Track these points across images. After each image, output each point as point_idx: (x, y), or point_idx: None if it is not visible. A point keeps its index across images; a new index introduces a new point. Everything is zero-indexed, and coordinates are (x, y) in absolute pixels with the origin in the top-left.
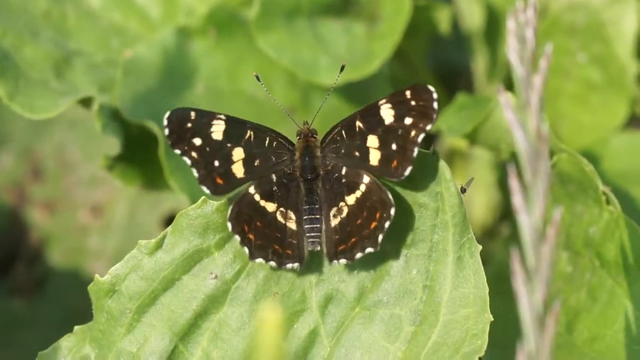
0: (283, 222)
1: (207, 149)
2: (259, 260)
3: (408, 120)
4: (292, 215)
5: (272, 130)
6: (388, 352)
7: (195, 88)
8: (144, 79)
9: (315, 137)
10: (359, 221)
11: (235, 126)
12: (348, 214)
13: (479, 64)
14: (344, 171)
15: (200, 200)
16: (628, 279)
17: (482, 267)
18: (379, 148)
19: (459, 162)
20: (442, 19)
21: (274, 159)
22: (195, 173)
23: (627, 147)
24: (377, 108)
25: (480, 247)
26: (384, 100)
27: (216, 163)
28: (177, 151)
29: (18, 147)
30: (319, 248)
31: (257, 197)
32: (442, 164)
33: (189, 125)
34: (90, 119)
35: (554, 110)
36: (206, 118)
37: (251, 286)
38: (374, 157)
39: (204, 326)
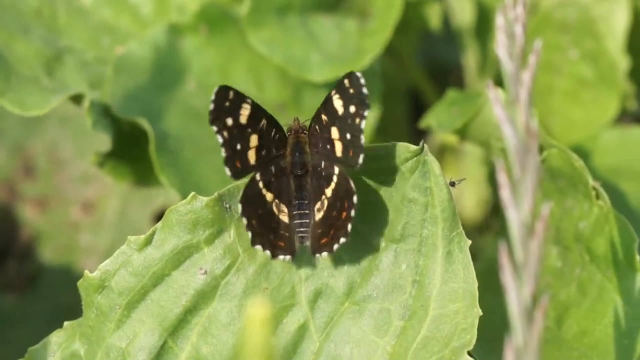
0: (277, 213)
1: (235, 130)
2: (258, 247)
3: (352, 109)
4: (284, 208)
5: (278, 123)
6: (377, 346)
7: (186, 85)
8: (135, 76)
9: (305, 133)
10: (334, 213)
11: (256, 113)
12: (327, 206)
13: (470, 60)
14: (322, 164)
15: (189, 196)
16: (617, 273)
17: (471, 262)
18: (340, 139)
19: (450, 157)
20: (433, 16)
21: (274, 151)
22: (223, 153)
23: (618, 143)
24: (331, 99)
25: (469, 242)
26: (334, 91)
27: (238, 146)
28: (214, 127)
29: (9, 144)
30: (307, 243)
31: (261, 184)
32: (431, 159)
33: (227, 104)
34: (81, 115)
35: (546, 106)
36: (239, 100)
37: (241, 281)
38: (338, 149)
39: (193, 321)
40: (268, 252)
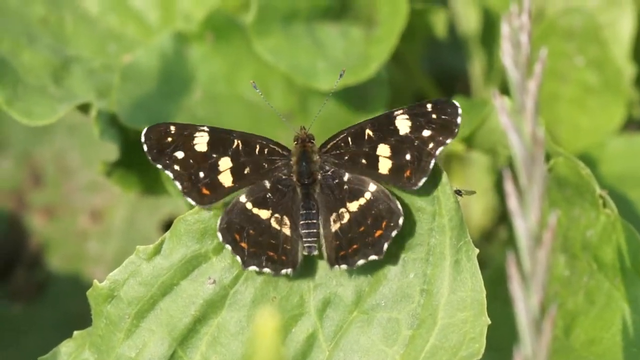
0: (278, 228)
1: (191, 161)
2: (252, 268)
3: (426, 133)
4: (286, 220)
5: (263, 137)
6: (386, 355)
7: (193, 93)
8: (142, 85)
9: (312, 142)
10: (362, 228)
11: (220, 136)
12: (350, 220)
13: (476, 67)
14: (346, 177)
15: (197, 206)
16: (625, 282)
17: (479, 271)
18: (391, 157)
19: (457, 166)
20: (439, 23)
21: (266, 165)
22: (178, 186)
23: (625, 150)
24: (392, 118)
25: (477, 251)
26: (400, 111)
27: (201, 174)
28: (159, 166)
29: (17, 153)
30: (316, 252)
31: (249, 205)
32: (439, 168)
33: (169, 139)
34: (89, 124)
35: (552, 114)
36: (187, 131)
37: (249, 291)
38: (384, 166)
39: (202, 331)
40: (268, 270)
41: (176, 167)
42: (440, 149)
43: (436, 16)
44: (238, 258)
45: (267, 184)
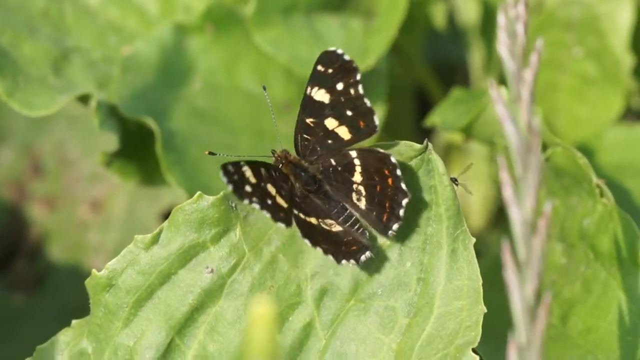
0: (329, 229)
1: (258, 191)
2: (345, 262)
3: (340, 85)
4: (330, 221)
5: (267, 163)
6: (383, 343)
7: (192, 84)
8: (142, 76)
9: (290, 154)
10: (378, 188)
11: (254, 167)
12: (366, 189)
13: (475, 58)
14: (332, 161)
15: (196, 195)
16: (622, 271)
17: (475, 260)
18: (339, 122)
19: (456, 156)
20: (438, 14)
21: (285, 185)
22: (267, 215)
23: (623, 140)
24: (310, 97)
25: (473, 240)
26: (309, 87)
27: (269, 201)
28: (246, 201)
29: (18, 143)
30: (367, 234)
31: (301, 215)
32: (436, 157)
33: (236, 177)
34: (89, 115)
35: (550, 104)
36: (239, 167)
37: (247, 280)
38: (343, 132)
39: (200, 320)
40: (353, 262)
41: (254, 199)
42: (360, 87)
43: (435, 7)
44: (330, 257)
45: (297, 199)
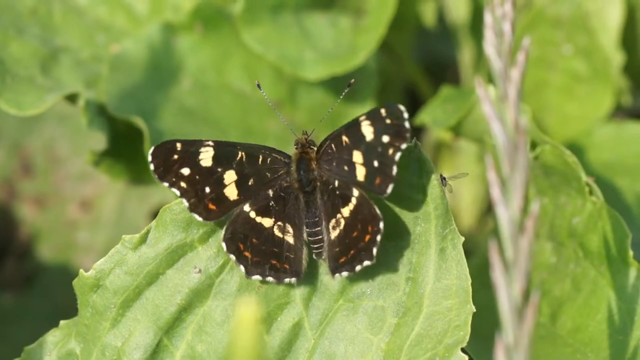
0: (281, 236)
1: (197, 177)
2: (256, 277)
3: (386, 138)
4: (289, 229)
5: (266, 147)
6: (371, 343)
7: (181, 83)
8: (130, 75)
9: (312, 148)
10: (355, 234)
11: (224, 150)
12: (345, 226)
13: (465, 56)
14: (337, 183)
15: None
16: (611, 269)
17: (464, 259)
18: (364, 164)
19: (446, 154)
20: (428, 12)
21: (269, 174)
22: (185, 202)
23: (613, 138)
24: (359, 124)
25: (462, 239)
26: (363, 117)
27: (207, 189)
28: (165, 184)
29: (7, 143)
30: (323, 257)
31: (252, 214)
32: (424, 156)
33: (176, 156)
34: (79, 114)
35: (540, 102)
36: (194, 147)
37: (235, 280)
38: (360, 173)
39: (188, 320)
40: (271, 279)
41: (182, 184)
42: (399, 154)
43: (425, 5)
44: (242, 267)
45: (271, 192)
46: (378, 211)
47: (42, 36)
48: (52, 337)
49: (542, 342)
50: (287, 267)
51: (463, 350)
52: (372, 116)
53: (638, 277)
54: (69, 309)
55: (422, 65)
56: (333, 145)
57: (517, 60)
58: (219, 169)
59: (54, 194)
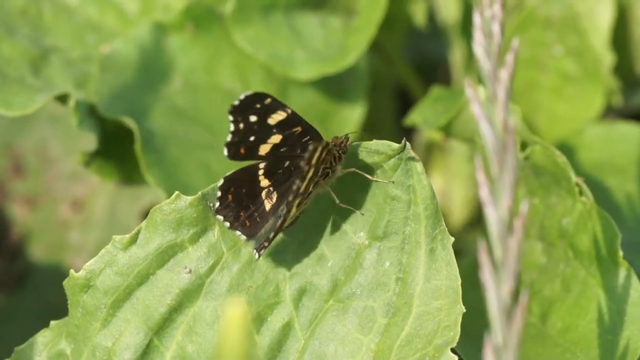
0: (263, 198)
1: (255, 126)
2: (219, 216)
3: None
4: (274, 196)
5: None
6: (361, 343)
7: (172, 83)
8: (121, 75)
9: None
10: None
11: (293, 121)
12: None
13: (456, 56)
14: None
15: (173, 195)
16: (601, 269)
17: (454, 259)
18: None
19: (438, 155)
20: (418, 12)
21: (296, 150)
22: (229, 137)
23: (603, 138)
24: None
25: (452, 239)
26: None
27: (252, 138)
28: (230, 117)
29: None
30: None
31: (261, 171)
32: (414, 157)
33: (258, 105)
34: (70, 114)
35: (531, 102)
36: (276, 107)
37: (225, 280)
38: None
39: (178, 320)
40: (227, 224)
41: (240, 125)
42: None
43: (416, 5)
44: (217, 203)
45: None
46: None
47: (32, 36)
48: (42, 338)
49: (532, 342)
50: (248, 224)
51: (453, 350)
52: None
53: (628, 277)
54: (61, 309)
55: (413, 65)
56: None
57: (506, 61)
58: (274, 130)
59: (45, 194)
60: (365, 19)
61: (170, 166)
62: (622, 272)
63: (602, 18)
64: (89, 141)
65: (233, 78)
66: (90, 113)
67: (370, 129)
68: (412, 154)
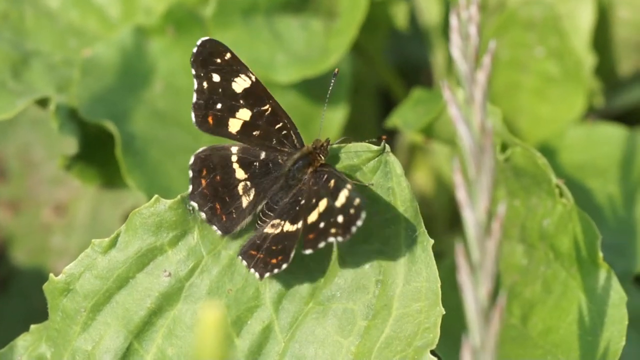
0: (240, 193)
1: (220, 90)
2: (193, 204)
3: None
4: (252, 192)
5: (294, 127)
6: (341, 346)
7: (153, 86)
8: (102, 79)
9: (320, 157)
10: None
11: (258, 93)
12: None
13: (438, 58)
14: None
15: (153, 199)
16: (581, 271)
17: (434, 261)
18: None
19: (420, 156)
20: (400, 14)
21: (273, 142)
22: (194, 97)
23: (584, 140)
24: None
25: (432, 241)
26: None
27: (218, 105)
28: (193, 70)
29: None
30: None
31: (234, 158)
32: (393, 159)
33: (218, 60)
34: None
35: (512, 104)
36: (236, 66)
37: (205, 283)
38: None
39: (158, 323)
40: (204, 216)
41: (204, 84)
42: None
43: (397, 8)
44: (190, 187)
45: (263, 154)
46: None
47: (13, 40)
48: (22, 342)
49: (513, 344)
50: (224, 219)
51: (433, 352)
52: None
53: (608, 279)
54: (44, 313)
55: (395, 67)
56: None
57: (483, 63)
58: (241, 101)
59: (28, 198)
60: (346, 22)
61: (152, 170)
62: (603, 274)
63: (583, 19)
64: (72, 145)
65: None
66: (71, 117)
67: (353, 131)
68: (391, 156)
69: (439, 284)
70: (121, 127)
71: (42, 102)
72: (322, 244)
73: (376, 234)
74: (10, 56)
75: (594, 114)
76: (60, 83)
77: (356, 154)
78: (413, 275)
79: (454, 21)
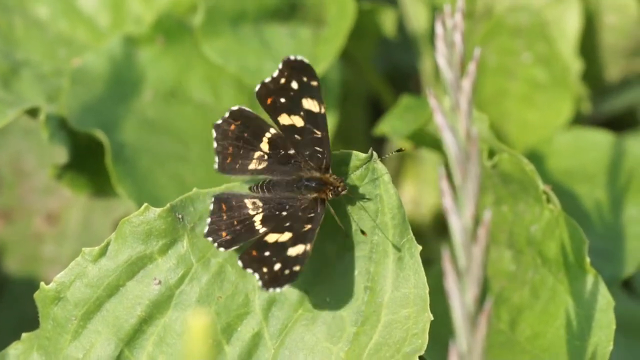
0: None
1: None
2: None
3: None
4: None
5: None
6: (331, 352)
7: (142, 95)
8: (92, 88)
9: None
10: None
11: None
12: None
13: (426, 65)
14: None
15: (142, 207)
16: (569, 276)
17: (422, 267)
18: None
19: (409, 163)
20: (388, 22)
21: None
22: None
23: (572, 145)
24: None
25: (420, 248)
26: None
27: None
28: None
29: None
30: None
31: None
32: (381, 167)
33: None
34: None
35: (500, 110)
36: None
37: (195, 291)
38: None
39: (149, 331)
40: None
41: None
42: None
43: (385, 15)
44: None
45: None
46: None
47: (3, 50)
48: (14, 350)
49: (501, 349)
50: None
51: (421, 358)
52: None
53: (595, 284)
54: (36, 321)
55: (384, 74)
56: None
57: (469, 70)
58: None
59: (19, 207)
60: (334, 30)
61: (142, 178)
62: (590, 279)
63: (570, 25)
64: (63, 154)
65: (204, 90)
66: (61, 126)
67: (342, 139)
68: (380, 164)
69: (427, 290)
70: (111, 136)
71: (32, 112)
72: (248, 270)
73: (364, 240)
74: (0, 66)
75: (581, 119)
76: (50, 93)
77: (344, 161)
78: (401, 282)
79: (439, 29)
